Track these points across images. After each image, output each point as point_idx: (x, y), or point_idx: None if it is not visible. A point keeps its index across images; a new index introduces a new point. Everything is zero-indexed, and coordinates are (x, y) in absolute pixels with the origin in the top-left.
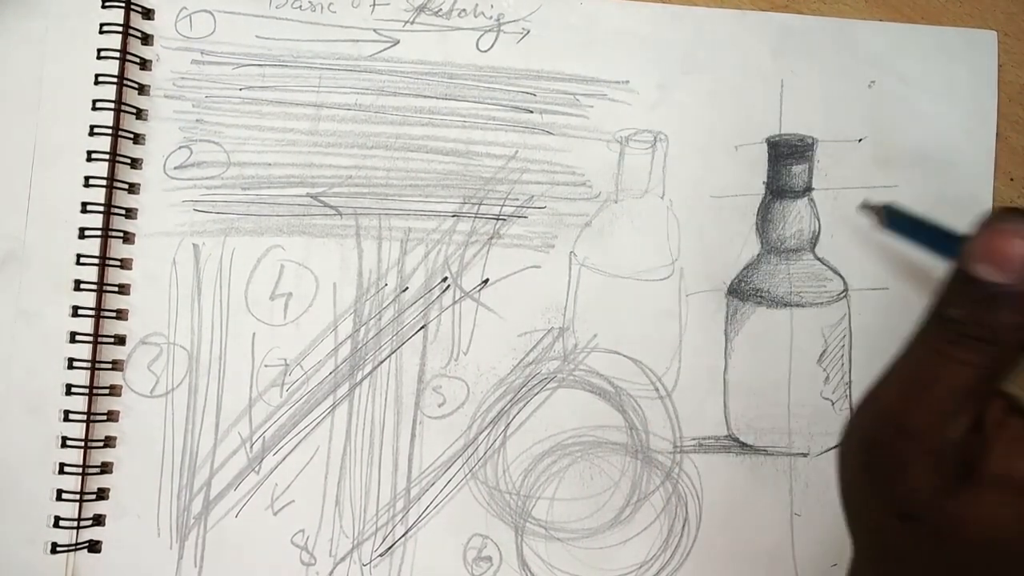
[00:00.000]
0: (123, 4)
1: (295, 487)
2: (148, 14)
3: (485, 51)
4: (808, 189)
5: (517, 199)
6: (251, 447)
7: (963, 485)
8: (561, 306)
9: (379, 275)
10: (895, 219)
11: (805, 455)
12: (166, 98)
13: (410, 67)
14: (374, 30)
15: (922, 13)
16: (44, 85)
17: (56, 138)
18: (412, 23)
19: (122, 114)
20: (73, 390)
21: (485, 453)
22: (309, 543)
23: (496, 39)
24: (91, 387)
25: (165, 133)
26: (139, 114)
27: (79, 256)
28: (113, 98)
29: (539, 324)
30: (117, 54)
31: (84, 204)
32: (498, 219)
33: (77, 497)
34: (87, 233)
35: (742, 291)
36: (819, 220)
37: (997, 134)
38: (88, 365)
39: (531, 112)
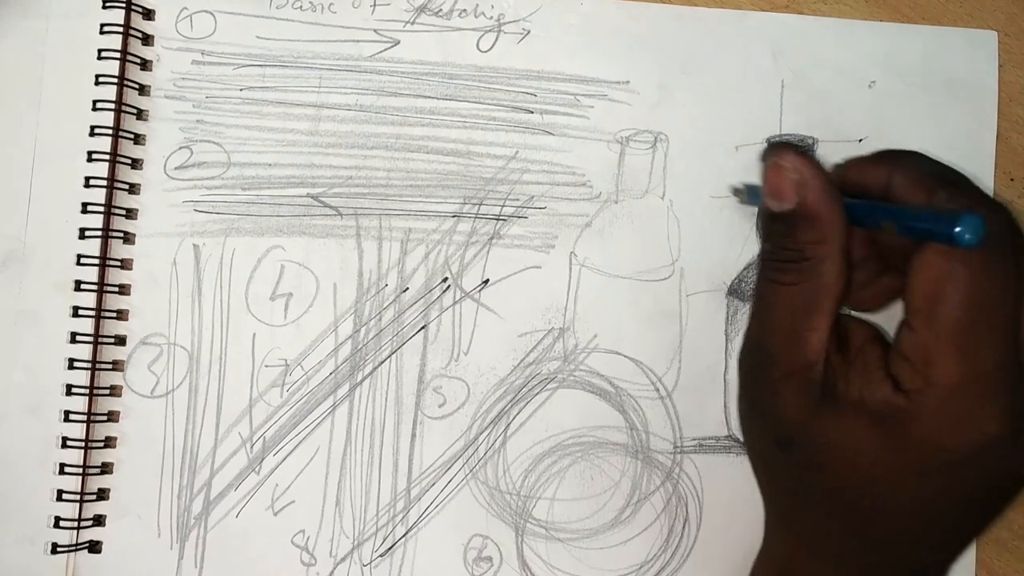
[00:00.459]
0: (124, 4)
1: (295, 487)
2: (149, 14)
3: (485, 51)
4: None
5: (517, 199)
6: (251, 447)
7: (826, 408)
8: (561, 306)
9: (379, 275)
10: (756, 194)
11: None
12: (166, 98)
13: (410, 67)
14: (374, 30)
15: (922, 13)
16: (44, 85)
17: (57, 138)
18: (412, 23)
19: (123, 114)
20: (73, 390)
21: (485, 453)
22: (309, 543)
23: (496, 39)
24: (91, 387)
25: (166, 133)
26: (140, 114)
27: (79, 256)
28: (113, 98)
29: (539, 324)
30: (118, 54)
31: (84, 204)
32: (498, 219)
33: (77, 497)
34: (87, 233)
35: (742, 291)
36: None
37: (997, 134)
38: (88, 365)
39: (531, 112)
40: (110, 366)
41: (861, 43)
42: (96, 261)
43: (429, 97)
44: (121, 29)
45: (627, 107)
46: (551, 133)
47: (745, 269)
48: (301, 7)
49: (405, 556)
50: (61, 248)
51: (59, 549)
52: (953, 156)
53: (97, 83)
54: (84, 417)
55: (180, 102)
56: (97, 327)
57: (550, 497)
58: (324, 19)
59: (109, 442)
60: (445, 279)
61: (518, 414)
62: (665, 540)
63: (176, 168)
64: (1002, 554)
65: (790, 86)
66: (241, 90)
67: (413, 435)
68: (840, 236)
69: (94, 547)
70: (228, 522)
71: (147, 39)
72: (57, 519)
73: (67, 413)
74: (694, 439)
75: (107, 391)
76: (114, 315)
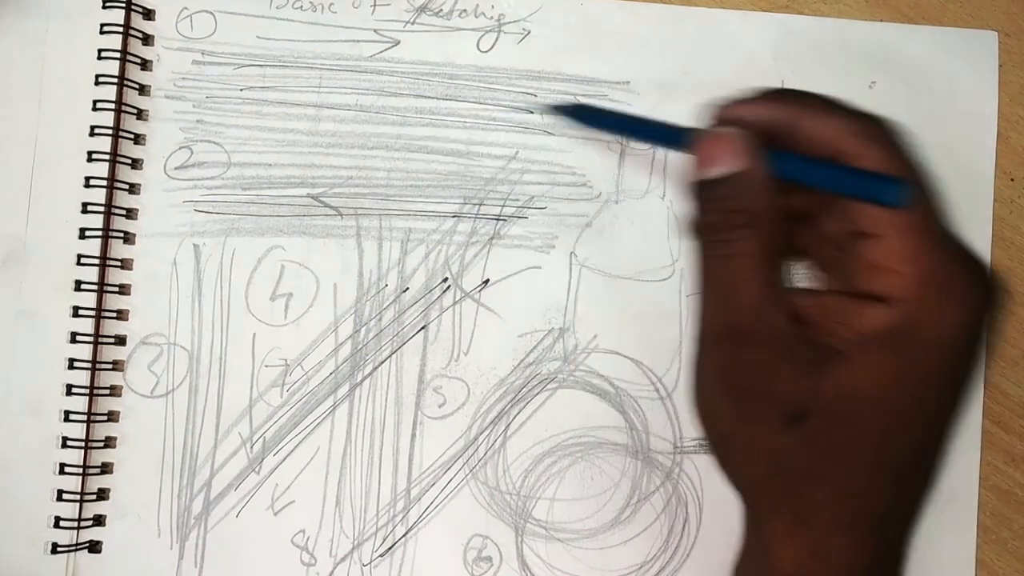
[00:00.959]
0: (124, 4)
1: (295, 487)
2: (149, 15)
3: (486, 51)
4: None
5: (518, 200)
6: (251, 447)
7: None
8: (561, 307)
9: (380, 275)
10: (588, 116)
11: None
12: (167, 98)
13: (411, 67)
14: (375, 30)
15: (922, 13)
16: (45, 85)
17: (57, 138)
18: (413, 23)
19: (123, 114)
20: (73, 390)
21: (485, 453)
22: (309, 543)
23: (497, 39)
24: (91, 387)
25: (166, 133)
26: (140, 114)
27: (80, 256)
28: (114, 98)
29: (539, 325)
30: (118, 54)
31: (85, 204)
32: (499, 220)
33: (77, 497)
34: (88, 233)
35: None
36: None
37: (997, 134)
38: (88, 365)
39: (532, 113)
40: (110, 366)
41: (861, 43)
42: (96, 261)
43: (429, 97)
44: (121, 29)
45: (627, 107)
46: (551, 133)
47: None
48: (301, 7)
49: (405, 556)
50: (61, 248)
51: (59, 549)
52: (953, 156)
53: (97, 83)
54: (84, 417)
55: (180, 102)
56: (97, 327)
57: (550, 497)
58: (324, 19)
59: (109, 442)
60: (445, 279)
61: (518, 414)
62: (665, 540)
63: (176, 168)
64: (1002, 554)
65: (790, 85)
66: (241, 90)
67: (413, 435)
68: (775, 196)
69: (94, 547)
70: (228, 522)
71: (147, 39)
72: (57, 519)
73: (67, 413)
74: (694, 439)
75: (107, 391)
76: (114, 315)
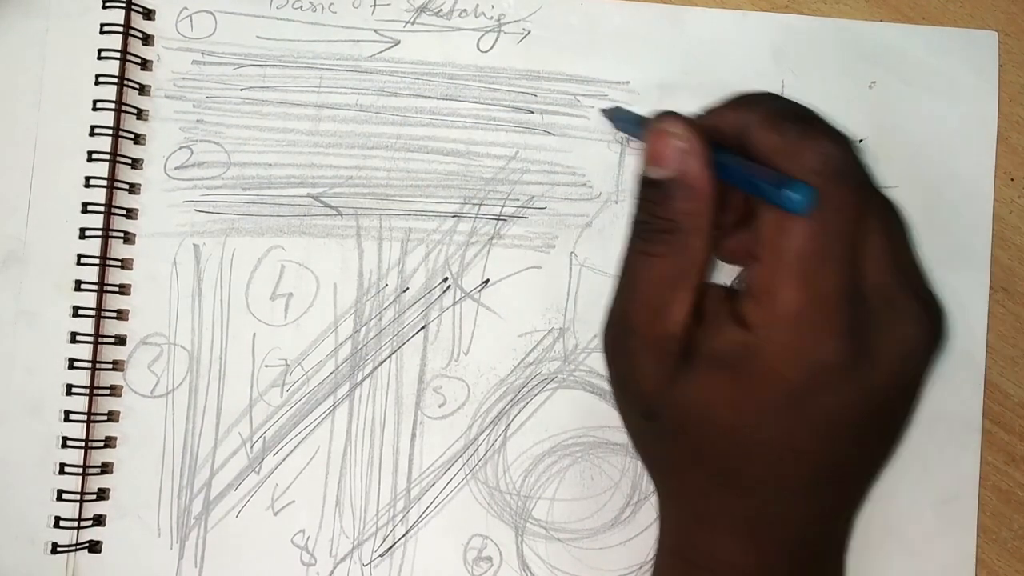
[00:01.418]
0: (124, 4)
1: (295, 487)
2: (149, 14)
3: (486, 51)
4: None
5: (518, 199)
6: (251, 447)
7: (682, 372)
8: (562, 306)
9: (380, 275)
10: (620, 119)
11: None
12: (167, 98)
13: (411, 67)
14: (375, 30)
15: (922, 13)
16: (45, 85)
17: (57, 138)
18: (413, 23)
19: (123, 114)
20: (73, 390)
21: (485, 453)
22: (309, 543)
23: (497, 39)
24: (91, 387)
25: (166, 133)
26: (140, 114)
27: (80, 256)
28: (114, 98)
29: (539, 325)
30: (118, 54)
31: (85, 204)
32: (499, 219)
33: (77, 497)
34: (88, 233)
35: None
36: None
37: (997, 134)
38: (89, 365)
39: (532, 113)
40: (110, 366)
41: (861, 43)
42: (96, 261)
43: (429, 97)
44: (121, 29)
45: (627, 107)
46: (551, 133)
47: (744, 269)
48: (301, 7)
49: (405, 556)
50: (61, 248)
51: (59, 549)
52: (953, 156)
53: (97, 83)
54: (84, 417)
55: (180, 102)
56: (97, 327)
57: (550, 497)
58: (324, 19)
59: (109, 442)
60: (445, 279)
61: (518, 414)
62: None
63: (176, 168)
64: (1002, 554)
65: (790, 86)
66: (241, 90)
67: (413, 435)
68: (713, 207)
69: (94, 547)
70: (228, 522)
71: (147, 39)
72: (57, 519)
73: (67, 413)
74: None
75: (107, 391)
76: (114, 315)
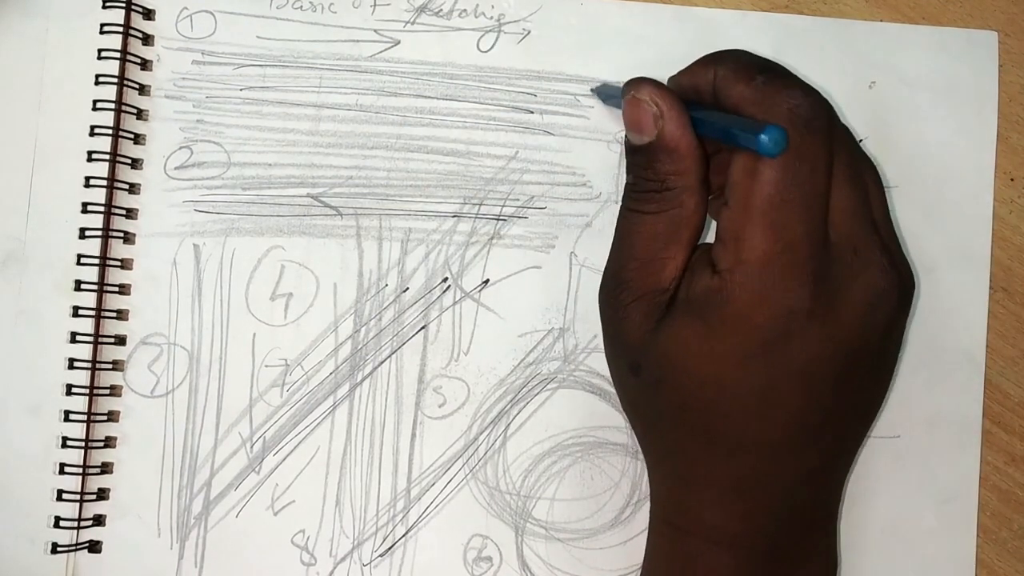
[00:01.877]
0: (124, 4)
1: (295, 487)
2: (149, 14)
3: (486, 51)
4: None
5: (518, 199)
6: (251, 447)
7: (663, 323)
8: (562, 306)
9: (379, 275)
10: (606, 94)
11: None
12: (167, 98)
13: (410, 67)
14: (375, 30)
15: (922, 13)
16: (44, 85)
17: (56, 138)
18: (413, 23)
19: (123, 114)
20: (73, 390)
21: (485, 453)
22: (309, 543)
23: (497, 39)
24: (91, 387)
25: (166, 133)
26: (140, 114)
27: (80, 256)
28: (113, 98)
29: (539, 325)
30: (118, 54)
31: (84, 204)
32: (499, 219)
33: (77, 497)
34: (87, 233)
35: None
36: None
37: (997, 134)
38: (88, 365)
39: (531, 113)
40: (110, 366)
41: (861, 43)
42: (96, 261)
43: (429, 97)
44: (121, 29)
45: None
46: (551, 133)
47: None
48: (301, 7)
49: (405, 556)
50: (61, 248)
51: (59, 549)
52: (953, 156)
53: (97, 83)
54: (84, 417)
55: (180, 102)
56: (97, 327)
57: (550, 497)
58: (324, 19)
59: (109, 442)
60: (445, 279)
61: (518, 414)
62: None
63: (176, 168)
64: (1002, 554)
65: None
66: (241, 90)
67: (413, 435)
68: (699, 166)
69: (94, 547)
70: (228, 522)
71: (147, 39)
72: (57, 519)
73: (67, 413)
74: None
75: (107, 391)
76: (114, 315)
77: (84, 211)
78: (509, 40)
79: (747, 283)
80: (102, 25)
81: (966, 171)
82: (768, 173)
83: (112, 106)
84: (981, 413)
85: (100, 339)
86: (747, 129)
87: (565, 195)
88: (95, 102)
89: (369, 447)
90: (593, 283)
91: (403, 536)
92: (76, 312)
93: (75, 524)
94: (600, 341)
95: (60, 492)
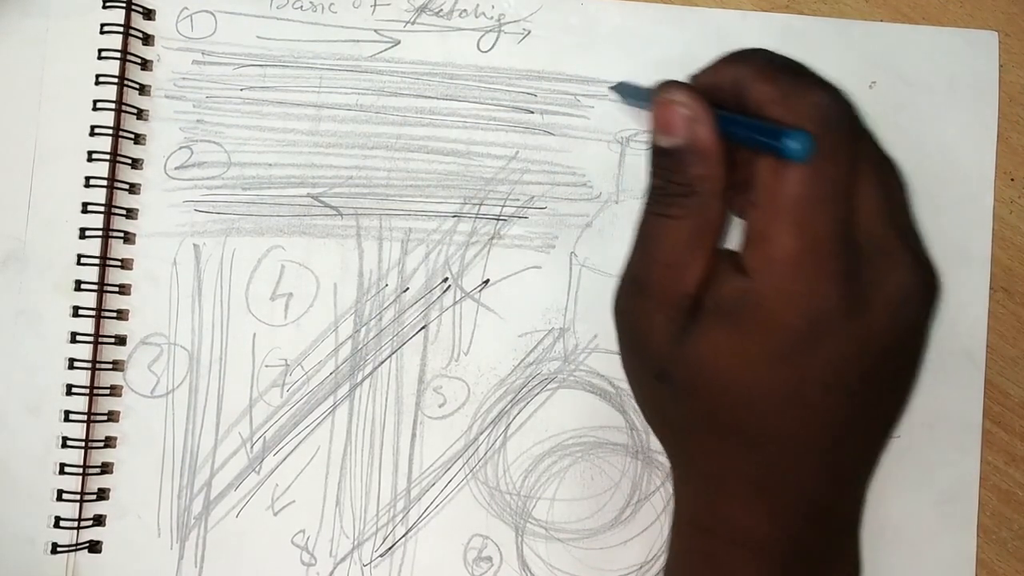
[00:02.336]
0: (124, 4)
1: (295, 487)
2: (149, 14)
3: (486, 51)
4: None
5: (518, 200)
6: (251, 447)
7: (690, 329)
8: (562, 307)
9: (380, 275)
10: (626, 93)
11: None
12: (167, 98)
13: (411, 67)
14: (375, 30)
15: (923, 13)
16: (45, 85)
17: (57, 138)
18: (413, 23)
19: (123, 114)
20: (74, 390)
21: (486, 453)
22: (309, 543)
23: (497, 39)
24: (92, 387)
25: (166, 133)
26: (140, 114)
27: (80, 256)
28: (114, 98)
29: (539, 325)
30: (118, 54)
31: (85, 204)
32: (499, 219)
33: (77, 497)
34: (88, 233)
35: None
36: None
37: (997, 134)
38: (89, 365)
39: (532, 113)
40: (110, 366)
41: (861, 43)
42: (96, 261)
43: (429, 97)
44: (121, 29)
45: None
46: (551, 133)
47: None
48: (301, 7)
49: (405, 556)
50: (61, 248)
51: (59, 549)
52: (953, 156)
53: (97, 83)
54: (84, 417)
55: (180, 102)
56: (97, 327)
57: (550, 497)
58: (324, 19)
59: (109, 442)
60: (445, 279)
61: (518, 414)
62: (665, 540)
63: (176, 168)
64: (1002, 554)
65: None
66: (241, 90)
67: (413, 435)
68: (726, 170)
69: (94, 547)
70: (228, 522)
71: (147, 39)
72: (57, 519)
73: (67, 413)
74: None
75: (107, 391)
76: (114, 315)
77: (84, 211)
78: (509, 40)
79: (777, 283)
80: (102, 25)
81: (966, 171)
82: (794, 173)
83: (112, 106)
84: (981, 413)
85: (100, 339)
86: (772, 134)
87: (565, 195)
88: (95, 102)
89: (369, 447)
90: (593, 283)
91: (403, 536)
92: (76, 312)
93: (75, 524)
94: (600, 341)
95: (60, 492)
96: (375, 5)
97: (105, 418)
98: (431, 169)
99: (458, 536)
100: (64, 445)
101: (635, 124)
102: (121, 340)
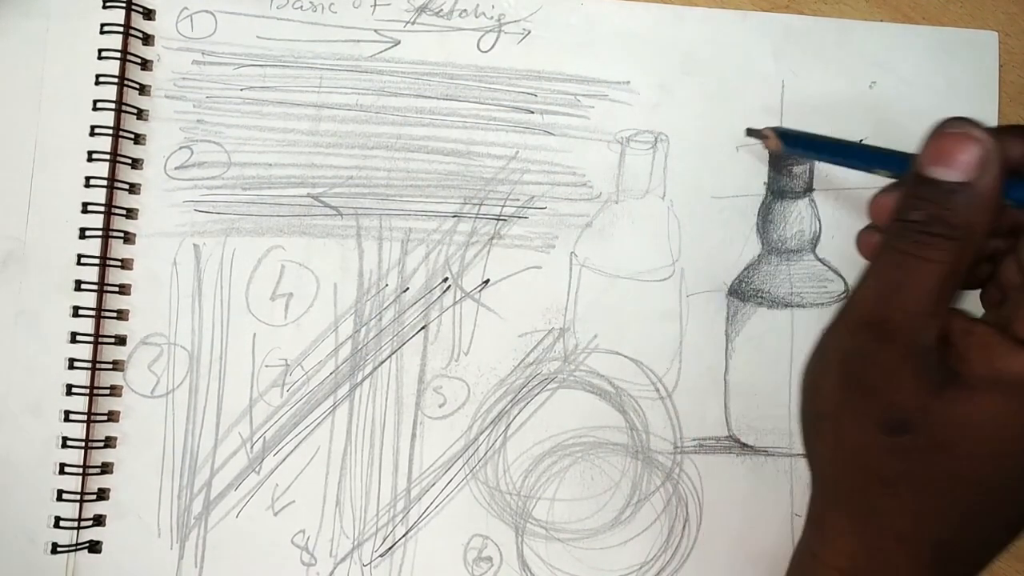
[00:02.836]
0: (124, 4)
1: (295, 487)
2: (149, 14)
3: (486, 51)
4: (809, 190)
5: (518, 199)
6: (251, 447)
7: (952, 388)
8: (562, 307)
9: (380, 275)
10: (789, 139)
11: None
12: (167, 98)
13: (411, 67)
14: (375, 30)
15: (923, 13)
16: (45, 85)
17: (57, 138)
18: (413, 23)
19: (123, 114)
20: (74, 390)
21: (486, 453)
22: (309, 543)
23: (497, 39)
24: (92, 387)
25: (166, 133)
26: (140, 114)
27: (80, 256)
28: (114, 98)
29: (540, 325)
30: (118, 54)
31: (85, 204)
32: (499, 219)
33: (77, 497)
34: (88, 233)
35: (743, 292)
36: (820, 221)
37: None
38: (89, 365)
39: (532, 113)
40: (110, 366)
41: (861, 43)
42: (96, 261)
43: (429, 97)
44: (121, 29)
45: (627, 107)
46: (551, 133)
47: (745, 269)
48: (301, 7)
49: (405, 556)
50: (61, 248)
51: (59, 549)
52: None
53: (97, 83)
54: (84, 417)
55: (180, 102)
56: (97, 327)
57: (550, 497)
58: (324, 19)
59: (109, 442)
60: (445, 279)
61: (518, 414)
62: (665, 540)
63: (176, 168)
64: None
65: (790, 86)
66: (241, 90)
67: (413, 435)
68: (992, 215)
69: (94, 547)
70: (228, 522)
71: (147, 39)
72: (57, 519)
73: (67, 413)
74: (694, 439)
75: (107, 391)
76: (114, 315)
77: (84, 211)
78: (509, 40)
79: None
80: (102, 25)
81: None
82: None
83: (112, 106)
84: None
85: (100, 339)
86: None
87: (565, 195)
88: (95, 102)
89: (369, 447)
90: (593, 283)
91: (403, 536)
92: (76, 312)
93: (75, 524)
94: (600, 341)
95: (60, 492)
96: (375, 5)
97: (105, 418)
98: (431, 169)
99: (458, 536)
100: (64, 445)
101: (633, 125)
102: (121, 340)
